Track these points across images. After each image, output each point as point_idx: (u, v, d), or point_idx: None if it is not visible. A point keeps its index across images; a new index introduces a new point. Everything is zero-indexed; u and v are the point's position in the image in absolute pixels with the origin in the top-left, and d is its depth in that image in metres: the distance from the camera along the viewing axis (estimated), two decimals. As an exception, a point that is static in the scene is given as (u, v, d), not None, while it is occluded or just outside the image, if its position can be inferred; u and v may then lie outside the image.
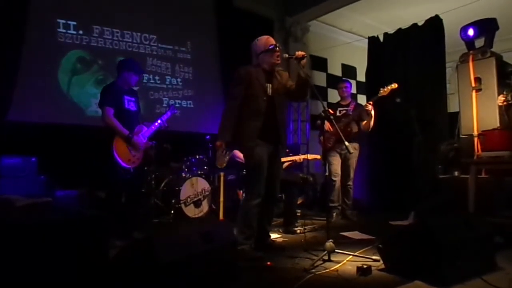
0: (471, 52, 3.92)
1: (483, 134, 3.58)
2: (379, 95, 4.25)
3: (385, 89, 4.23)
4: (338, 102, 4.73)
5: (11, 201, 1.84)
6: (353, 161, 4.53)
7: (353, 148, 4.22)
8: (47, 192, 3.47)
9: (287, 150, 4.45)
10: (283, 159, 4.08)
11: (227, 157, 3.24)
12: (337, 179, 4.45)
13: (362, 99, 6.96)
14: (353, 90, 7.75)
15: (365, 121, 4.41)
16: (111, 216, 3.11)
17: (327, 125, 4.24)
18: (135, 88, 3.80)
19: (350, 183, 4.55)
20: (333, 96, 4.94)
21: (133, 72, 3.54)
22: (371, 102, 4.26)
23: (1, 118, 3.91)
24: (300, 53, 2.81)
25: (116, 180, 3.36)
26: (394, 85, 4.24)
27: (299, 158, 4.18)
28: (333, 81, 7.03)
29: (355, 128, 4.43)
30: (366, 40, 5.99)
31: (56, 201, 3.29)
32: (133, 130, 3.46)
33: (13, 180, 3.32)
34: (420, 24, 5.23)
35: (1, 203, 1.87)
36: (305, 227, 3.78)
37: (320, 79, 7.21)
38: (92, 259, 1.73)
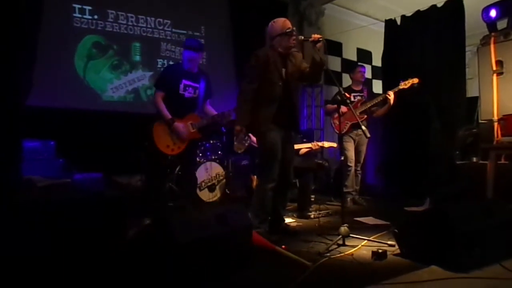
0: (493, 34, 3.79)
1: (503, 119, 3.49)
2: (400, 87, 4.23)
3: (406, 82, 4.22)
4: (349, 87, 4.66)
5: (33, 181, 1.89)
6: (365, 147, 4.55)
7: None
8: (65, 175, 3.54)
9: (301, 136, 4.44)
10: (300, 146, 4.08)
11: (248, 142, 3.08)
12: (353, 165, 4.45)
13: (377, 85, 6.85)
14: (369, 75, 7.65)
15: (379, 108, 4.42)
16: (142, 197, 3.12)
17: (343, 108, 4.18)
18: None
19: (359, 168, 4.56)
20: (348, 81, 4.88)
21: (188, 48, 3.33)
22: (392, 92, 4.22)
23: (23, 102, 3.95)
24: (316, 36, 2.77)
25: (152, 164, 3.32)
26: (415, 80, 4.22)
27: (316, 145, 4.16)
28: (348, 66, 6.92)
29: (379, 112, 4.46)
30: (382, 24, 5.85)
31: (74, 183, 3.35)
32: (182, 117, 3.33)
33: (33, 163, 3.38)
34: (439, 5, 5.07)
35: (24, 183, 1.92)
36: (319, 212, 3.78)
37: (335, 63, 7.10)
38: (110, 237, 1.77)
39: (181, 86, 3.35)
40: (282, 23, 2.90)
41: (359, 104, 4.41)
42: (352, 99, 4.49)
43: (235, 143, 3.03)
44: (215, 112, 3.51)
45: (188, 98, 3.39)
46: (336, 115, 4.01)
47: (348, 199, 4.42)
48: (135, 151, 3.42)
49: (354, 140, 4.48)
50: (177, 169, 4.45)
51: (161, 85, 3.36)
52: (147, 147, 3.26)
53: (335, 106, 3.95)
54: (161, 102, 3.30)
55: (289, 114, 2.94)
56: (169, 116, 3.28)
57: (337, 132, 3.99)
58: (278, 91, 2.87)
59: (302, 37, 2.90)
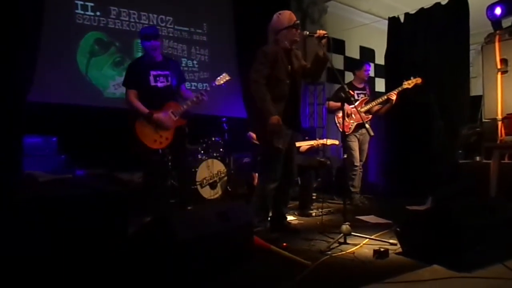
0: (497, 32, 3.76)
1: (507, 118, 3.46)
2: (403, 86, 4.21)
3: (409, 82, 4.20)
4: (351, 83, 4.58)
5: (35, 176, 1.88)
6: (367, 146, 4.52)
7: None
8: (67, 171, 3.55)
9: (303, 134, 4.42)
10: (302, 143, 4.06)
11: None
12: (359, 164, 4.42)
13: (380, 83, 6.83)
14: (372, 73, 7.61)
15: (381, 107, 4.40)
16: (142, 195, 3.11)
17: (347, 108, 4.14)
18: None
19: (361, 167, 4.53)
20: (351, 79, 4.85)
21: (145, 38, 3.23)
22: (395, 92, 4.21)
23: (23, 98, 3.95)
24: (321, 32, 2.74)
25: (144, 162, 3.27)
26: (419, 80, 4.21)
27: (317, 143, 4.13)
28: (351, 64, 6.89)
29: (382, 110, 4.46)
30: (385, 21, 5.81)
31: (75, 179, 3.35)
32: (161, 108, 3.23)
33: (34, 158, 3.40)
34: (443, 3, 5.04)
35: (25, 178, 1.92)
36: (321, 210, 3.77)
37: (337, 61, 7.07)
38: (111, 234, 1.76)
39: (151, 78, 3.26)
40: (289, 15, 2.85)
41: (363, 104, 4.39)
42: (356, 97, 4.46)
43: (273, 140, 2.75)
44: (192, 95, 3.43)
45: (163, 88, 3.30)
46: (340, 113, 3.96)
47: (355, 197, 4.39)
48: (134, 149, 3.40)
49: (358, 140, 4.44)
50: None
51: (130, 82, 3.28)
52: (136, 149, 3.20)
53: (339, 104, 3.90)
54: (135, 99, 3.23)
55: (294, 112, 2.92)
56: (146, 111, 3.20)
57: (341, 130, 3.97)
58: (285, 89, 2.84)
59: (307, 33, 2.85)
